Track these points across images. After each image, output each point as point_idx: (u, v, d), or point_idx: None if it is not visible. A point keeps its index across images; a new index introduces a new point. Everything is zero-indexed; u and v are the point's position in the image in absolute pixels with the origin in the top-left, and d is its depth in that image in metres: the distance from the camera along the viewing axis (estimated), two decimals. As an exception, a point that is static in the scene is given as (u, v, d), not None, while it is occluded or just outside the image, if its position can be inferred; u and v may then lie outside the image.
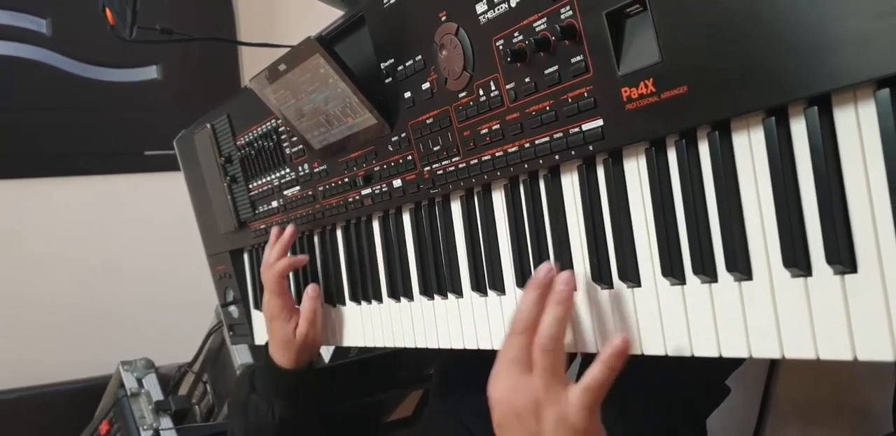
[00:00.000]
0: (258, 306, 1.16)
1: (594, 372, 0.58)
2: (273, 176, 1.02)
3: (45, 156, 2.29)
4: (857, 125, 0.46)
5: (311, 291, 0.97)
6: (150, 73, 2.45)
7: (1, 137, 2.24)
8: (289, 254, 0.99)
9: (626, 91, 0.56)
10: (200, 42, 2.45)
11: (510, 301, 0.72)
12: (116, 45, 1.21)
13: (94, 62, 2.36)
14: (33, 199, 2.27)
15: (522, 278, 0.70)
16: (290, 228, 0.99)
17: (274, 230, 1.01)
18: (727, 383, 0.95)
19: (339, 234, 0.96)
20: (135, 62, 2.41)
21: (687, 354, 0.57)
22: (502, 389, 0.62)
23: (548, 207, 0.67)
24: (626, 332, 0.61)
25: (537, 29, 0.61)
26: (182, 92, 2.45)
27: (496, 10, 0.64)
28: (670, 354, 0.58)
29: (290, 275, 1.06)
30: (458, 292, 0.77)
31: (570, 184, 0.65)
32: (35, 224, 2.26)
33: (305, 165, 0.95)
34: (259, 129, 1.02)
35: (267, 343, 1.02)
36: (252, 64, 2.48)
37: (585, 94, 0.59)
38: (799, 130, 0.48)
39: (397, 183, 0.81)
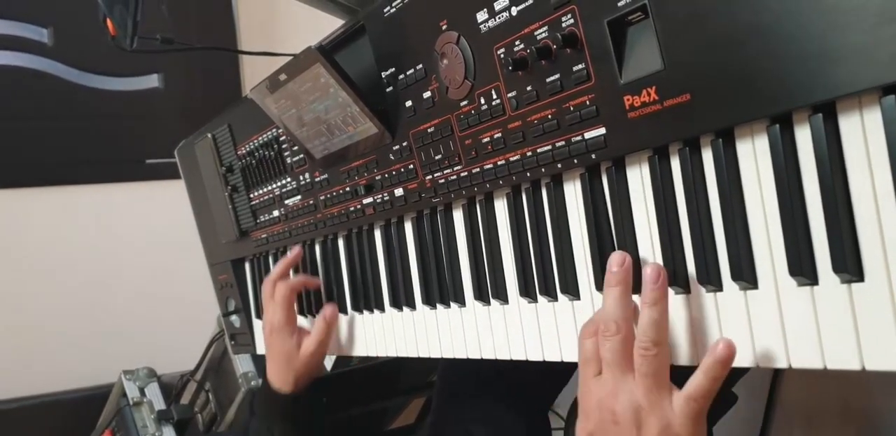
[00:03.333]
0: (260, 316, 1.15)
1: (697, 381, 0.53)
2: (274, 185, 1.02)
3: (46, 165, 2.29)
4: (862, 132, 0.45)
5: (328, 311, 0.95)
6: (152, 81, 2.45)
7: (3, 146, 2.24)
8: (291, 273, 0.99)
9: (628, 99, 0.56)
10: (202, 51, 2.45)
11: (513, 310, 0.72)
12: (118, 54, 1.21)
13: (95, 71, 2.37)
14: (35, 208, 2.27)
15: (525, 287, 0.69)
16: (296, 249, 0.99)
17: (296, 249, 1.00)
18: (733, 389, 0.94)
19: (340, 243, 0.96)
20: (136, 71, 2.42)
21: (692, 363, 0.56)
22: (597, 395, 0.57)
23: (550, 215, 0.66)
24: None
25: (538, 37, 0.61)
26: (183, 101, 2.45)
27: (497, 18, 0.64)
28: (674, 363, 0.58)
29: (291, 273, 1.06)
30: (461, 302, 0.77)
31: (573, 192, 0.64)
32: (37, 233, 2.26)
33: (307, 175, 0.95)
34: (260, 138, 1.02)
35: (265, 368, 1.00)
36: (253, 73, 2.48)
37: (587, 103, 0.59)
38: (804, 137, 0.48)
39: (399, 192, 0.81)
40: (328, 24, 0.92)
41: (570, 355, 0.66)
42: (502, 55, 0.65)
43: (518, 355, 0.71)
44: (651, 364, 0.55)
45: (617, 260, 0.58)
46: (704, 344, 0.56)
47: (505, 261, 0.72)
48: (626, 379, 0.56)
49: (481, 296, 0.74)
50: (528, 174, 0.66)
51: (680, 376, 0.56)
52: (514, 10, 0.63)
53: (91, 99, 2.36)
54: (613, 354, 0.56)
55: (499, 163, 0.68)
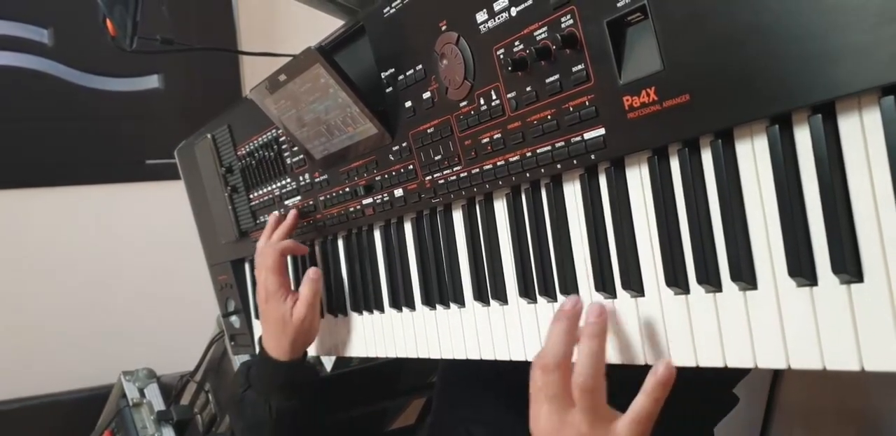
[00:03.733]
0: (259, 317, 1.15)
1: (640, 403, 0.56)
2: (274, 186, 1.02)
3: (46, 165, 2.29)
4: (861, 133, 0.45)
5: (311, 273, 0.94)
6: (152, 82, 2.45)
7: (2, 146, 2.24)
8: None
9: (627, 100, 0.56)
10: (202, 52, 2.45)
11: (512, 311, 0.71)
12: (118, 55, 1.21)
13: (95, 72, 2.37)
14: (35, 208, 2.27)
15: (525, 288, 0.69)
16: (292, 213, 0.96)
17: (274, 214, 0.99)
18: (734, 391, 0.94)
19: (340, 243, 0.96)
20: (136, 72, 2.42)
21: (692, 364, 0.56)
22: (545, 426, 0.60)
23: (550, 216, 0.66)
24: (629, 342, 0.61)
25: (538, 38, 0.61)
26: (184, 101, 2.45)
27: (497, 19, 0.64)
28: (675, 364, 0.58)
29: (292, 285, 1.06)
30: (461, 302, 0.77)
31: (573, 193, 0.64)
32: (37, 233, 2.26)
33: (306, 175, 0.95)
34: (260, 139, 1.02)
35: (261, 338, 0.99)
36: (253, 73, 2.48)
37: (587, 103, 0.59)
38: (803, 138, 0.48)
39: (398, 192, 0.81)
40: (328, 25, 0.92)
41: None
42: (502, 56, 0.65)
43: (518, 356, 0.71)
44: (589, 400, 0.57)
45: (571, 301, 0.61)
46: (703, 345, 0.56)
47: (504, 262, 0.72)
48: (569, 412, 0.58)
49: (481, 297, 0.74)
50: (528, 175, 0.66)
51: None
52: (513, 11, 0.63)
53: (91, 99, 2.36)
54: (554, 390, 0.59)
55: (498, 163, 0.68)
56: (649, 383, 0.56)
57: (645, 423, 0.56)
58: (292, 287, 0.97)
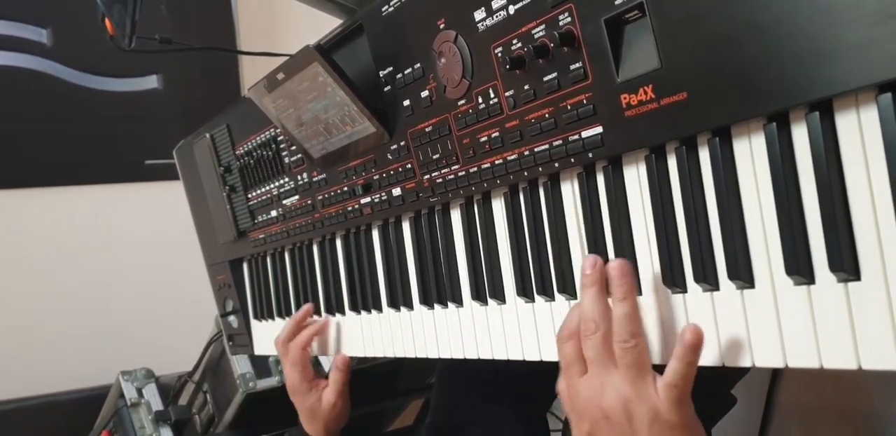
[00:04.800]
0: (257, 316, 1.15)
1: (674, 368, 0.55)
2: (272, 185, 1.02)
3: (45, 165, 2.29)
4: (859, 130, 0.45)
5: (340, 363, 0.98)
6: (151, 82, 2.45)
7: (2, 146, 2.24)
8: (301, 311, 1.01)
9: (625, 98, 0.55)
10: (201, 52, 2.45)
11: (510, 310, 0.71)
12: (117, 55, 1.21)
13: (94, 72, 2.36)
14: (34, 208, 2.27)
15: (523, 287, 0.69)
16: (305, 307, 1.01)
17: (305, 309, 1.01)
18: (732, 392, 0.94)
19: (338, 243, 0.96)
20: (135, 72, 2.41)
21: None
22: (586, 395, 0.58)
23: (548, 214, 0.66)
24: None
25: (536, 36, 0.61)
26: (183, 101, 2.45)
27: (494, 17, 0.64)
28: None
29: (290, 285, 1.06)
30: (459, 302, 0.77)
31: (570, 191, 0.64)
32: (36, 234, 2.25)
33: (304, 174, 0.95)
34: (258, 138, 1.02)
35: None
36: (252, 73, 2.48)
37: (584, 102, 0.59)
38: (800, 135, 0.48)
39: (397, 192, 0.81)
40: (327, 24, 0.92)
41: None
42: (500, 54, 0.65)
43: (515, 356, 0.71)
44: (632, 355, 0.56)
45: (590, 263, 0.60)
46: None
47: (502, 261, 0.72)
48: (611, 374, 0.57)
49: (479, 296, 0.74)
50: (526, 173, 0.66)
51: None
52: (511, 9, 0.63)
53: (90, 100, 2.35)
54: (596, 351, 0.58)
55: (496, 162, 0.68)
56: (678, 349, 0.55)
57: (682, 385, 0.55)
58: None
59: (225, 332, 1.25)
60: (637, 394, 0.55)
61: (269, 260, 1.11)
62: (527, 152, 0.65)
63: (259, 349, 1.16)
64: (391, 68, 0.77)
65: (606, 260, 0.60)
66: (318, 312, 1.01)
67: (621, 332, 0.57)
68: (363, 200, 0.86)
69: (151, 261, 2.31)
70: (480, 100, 0.68)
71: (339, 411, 0.98)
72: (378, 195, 0.84)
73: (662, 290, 0.58)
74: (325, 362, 1.30)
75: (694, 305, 0.56)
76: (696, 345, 0.54)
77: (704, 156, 0.54)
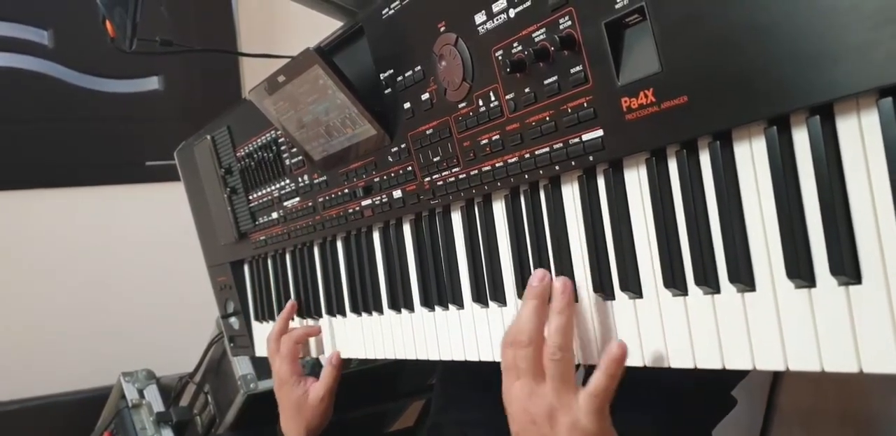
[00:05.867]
0: (258, 318, 1.15)
1: (596, 379, 0.60)
2: (273, 187, 1.02)
3: (46, 166, 2.29)
4: (860, 134, 0.45)
5: (334, 359, 0.98)
6: (152, 83, 2.45)
7: (3, 147, 2.24)
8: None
9: (625, 101, 0.55)
10: (202, 53, 2.45)
11: (511, 312, 0.71)
12: (118, 57, 1.21)
13: (95, 73, 2.36)
14: (35, 209, 2.27)
15: (524, 289, 0.69)
16: (290, 302, 1.03)
17: (291, 303, 1.04)
18: (732, 393, 0.94)
19: (339, 245, 0.96)
20: (136, 73, 2.42)
21: (690, 366, 0.56)
22: (517, 399, 0.64)
23: (548, 217, 0.66)
24: (628, 343, 0.60)
25: (536, 39, 0.61)
26: (184, 102, 2.45)
27: (495, 20, 0.64)
28: (673, 366, 0.58)
29: (291, 287, 1.06)
30: (459, 304, 0.77)
31: (571, 194, 0.64)
32: (37, 235, 2.25)
33: (305, 176, 0.95)
34: (259, 140, 1.02)
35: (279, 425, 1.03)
36: (253, 75, 2.48)
37: (585, 105, 0.59)
38: (801, 139, 0.48)
39: (397, 194, 0.81)
40: (328, 26, 0.92)
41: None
42: (500, 57, 0.65)
43: (516, 358, 0.71)
44: (559, 368, 0.61)
45: (538, 276, 0.65)
46: (701, 346, 0.55)
47: (503, 263, 0.72)
48: (540, 384, 0.63)
49: (479, 298, 0.74)
50: (526, 176, 0.66)
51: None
52: (511, 12, 0.63)
53: (91, 101, 2.36)
54: (526, 363, 0.63)
55: (497, 165, 0.68)
56: (603, 361, 0.60)
57: (602, 396, 0.60)
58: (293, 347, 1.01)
59: (226, 333, 1.25)
60: (561, 403, 0.61)
61: (269, 262, 1.11)
62: (527, 155, 0.65)
63: (260, 351, 1.16)
64: (392, 71, 0.77)
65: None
66: (318, 313, 1.01)
67: (551, 344, 0.62)
68: (364, 202, 0.86)
69: (152, 262, 2.31)
70: (481, 103, 0.68)
71: (325, 407, 0.98)
72: (379, 197, 0.84)
73: (663, 292, 0.58)
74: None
75: (695, 307, 0.56)
76: (621, 359, 0.59)
77: (705, 159, 0.54)
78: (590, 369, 0.63)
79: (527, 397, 0.63)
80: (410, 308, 0.84)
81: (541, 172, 0.64)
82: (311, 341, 1.03)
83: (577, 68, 0.58)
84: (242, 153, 1.06)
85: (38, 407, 2.11)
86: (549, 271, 0.67)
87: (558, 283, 0.64)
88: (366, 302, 0.91)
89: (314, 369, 1.15)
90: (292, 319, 1.05)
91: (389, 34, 0.76)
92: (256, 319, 1.16)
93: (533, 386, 0.63)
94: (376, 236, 0.89)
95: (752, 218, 0.51)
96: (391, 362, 1.27)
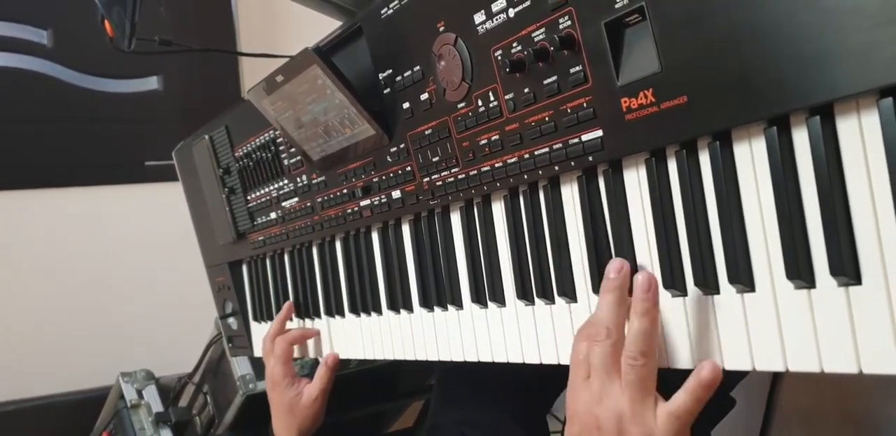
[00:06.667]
0: (257, 318, 1.15)
1: (681, 400, 0.54)
2: (271, 187, 1.02)
3: (45, 166, 2.29)
4: (860, 135, 0.45)
5: (330, 360, 0.98)
6: (151, 83, 2.45)
7: (2, 147, 2.23)
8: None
9: (625, 101, 0.55)
10: (201, 53, 2.45)
11: (510, 313, 0.71)
12: (117, 56, 1.21)
13: (94, 73, 2.36)
14: (34, 209, 2.27)
15: (523, 290, 0.69)
16: (286, 304, 1.04)
17: (288, 304, 1.05)
18: (732, 394, 0.94)
19: (338, 245, 0.96)
20: (135, 73, 2.41)
21: (689, 366, 0.56)
22: (585, 399, 0.57)
23: (548, 218, 0.66)
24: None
25: (536, 39, 0.61)
26: (183, 102, 2.45)
27: (494, 20, 0.64)
28: (672, 366, 0.57)
29: (290, 287, 1.06)
30: (458, 304, 0.77)
31: (570, 195, 0.64)
32: (36, 235, 2.25)
33: (304, 177, 0.95)
34: (257, 140, 1.02)
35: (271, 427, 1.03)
36: (252, 74, 2.48)
37: (585, 105, 0.59)
38: (801, 139, 0.48)
39: (396, 194, 0.81)
40: (327, 26, 0.92)
41: (568, 359, 0.66)
42: (500, 57, 0.64)
43: (515, 358, 0.71)
44: (637, 373, 0.55)
45: (615, 266, 0.58)
46: (701, 347, 0.55)
47: (502, 264, 0.72)
48: (613, 385, 0.56)
49: (478, 299, 0.74)
50: (526, 177, 0.66)
51: (670, 384, 0.56)
52: (511, 12, 0.62)
53: (90, 101, 2.35)
54: (601, 359, 0.56)
55: (496, 165, 0.68)
56: (691, 383, 0.53)
57: (685, 418, 0.54)
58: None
59: (224, 334, 1.25)
60: (634, 413, 0.54)
61: (268, 262, 1.11)
62: (527, 155, 0.65)
63: (258, 351, 1.15)
64: (390, 71, 0.77)
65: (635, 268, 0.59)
66: (317, 314, 1.01)
67: (632, 348, 0.55)
68: (363, 203, 0.86)
69: (151, 262, 2.31)
70: (480, 103, 0.68)
71: (318, 409, 0.98)
72: (377, 198, 0.83)
73: (662, 293, 0.58)
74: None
75: (694, 308, 0.56)
76: (712, 383, 0.53)
77: (705, 160, 0.54)
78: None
79: (596, 398, 0.56)
80: (409, 309, 0.84)
81: (540, 172, 0.64)
82: (311, 341, 1.03)
83: (577, 68, 0.58)
84: (241, 153, 1.06)
85: (37, 407, 2.11)
86: (549, 273, 0.66)
87: (642, 281, 0.56)
88: (364, 303, 0.91)
89: (314, 369, 1.15)
90: (290, 319, 1.05)
91: (388, 34, 0.76)
92: (255, 319, 1.16)
93: (606, 387, 0.56)
94: (375, 237, 0.89)
95: (751, 218, 0.51)
96: (390, 363, 1.27)
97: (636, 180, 0.59)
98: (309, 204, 0.96)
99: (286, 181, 0.99)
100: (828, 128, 0.46)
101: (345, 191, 0.88)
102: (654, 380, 0.56)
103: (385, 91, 0.78)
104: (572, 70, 0.59)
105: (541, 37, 0.60)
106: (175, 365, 1.78)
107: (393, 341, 0.87)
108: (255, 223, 1.08)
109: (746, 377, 0.96)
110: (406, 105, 0.76)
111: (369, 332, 0.91)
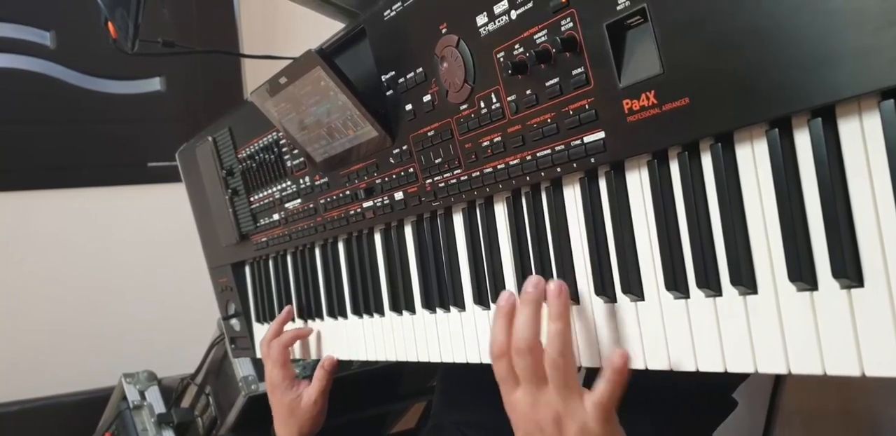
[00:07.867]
0: (260, 319, 1.15)
1: (602, 388, 0.59)
2: (274, 189, 1.02)
3: (48, 167, 2.29)
4: (861, 136, 0.45)
5: (327, 363, 0.99)
6: (154, 85, 2.45)
7: (4, 148, 2.24)
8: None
9: (627, 103, 0.55)
10: (204, 55, 2.45)
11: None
12: (120, 58, 1.21)
13: (97, 74, 2.37)
14: (36, 210, 2.27)
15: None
16: (286, 308, 1.05)
17: (287, 309, 1.05)
18: (734, 395, 0.94)
19: (340, 247, 0.96)
20: (138, 74, 2.42)
21: (691, 369, 0.56)
22: (521, 408, 0.63)
23: (550, 219, 0.66)
24: (630, 346, 0.60)
25: (538, 41, 0.61)
26: (185, 104, 2.45)
27: (497, 22, 0.64)
28: (674, 369, 0.57)
29: (292, 288, 1.06)
30: (461, 306, 0.77)
31: (573, 196, 0.64)
32: (38, 236, 2.26)
33: (307, 178, 0.95)
34: (260, 141, 1.02)
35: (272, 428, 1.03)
36: (255, 76, 2.48)
37: (587, 107, 0.59)
38: (803, 141, 0.48)
39: (399, 195, 0.81)
40: (330, 28, 0.92)
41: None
42: (502, 59, 0.65)
43: (517, 360, 0.71)
44: (561, 373, 0.60)
45: (532, 282, 0.63)
46: (703, 349, 0.55)
47: (505, 265, 0.72)
48: (543, 391, 0.62)
49: (481, 300, 0.74)
50: (528, 178, 0.66)
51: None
52: (513, 14, 0.63)
53: (93, 102, 2.36)
54: (528, 370, 0.62)
55: (498, 167, 0.68)
56: (607, 371, 0.59)
57: (609, 405, 0.59)
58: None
59: (227, 335, 1.25)
60: (567, 410, 0.60)
61: (271, 263, 1.11)
62: (529, 157, 0.65)
63: (261, 352, 1.15)
64: (393, 72, 0.77)
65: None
66: (320, 315, 1.01)
67: (552, 350, 0.61)
68: (365, 204, 0.86)
69: (154, 263, 2.31)
70: (482, 104, 0.68)
71: (319, 410, 0.99)
72: (380, 199, 0.84)
73: (665, 295, 0.58)
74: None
75: (696, 310, 0.56)
76: (623, 369, 0.59)
77: (707, 161, 0.54)
78: (591, 372, 0.63)
79: (531, 405, 0.62)
80: (412, 310, 0.84)
81: (542, 173, 0.64)
82: (312, 342, 1.03)
83: (579, 70, 0.58)
84: (244, 155, 1.06)
85: (40, 408, 2.11)
86: (551, 273, 0.66)
87: (553, 285, 0.62)
88: (367, 304, 0.91)
89: (315, 370, 1.15)
90: (293, 320, 1.05)
91: (391, 36, 0.76)
92: (258, 320, 1.16)
93: (536, 394, 0.62)
94: (378, 238, 0.89)
95: (753, 220, 0.51)
96: (392, 364, 1.27)
97: (638, 182, 0.59)
98: (312, 205, 0.96)
99: (289, 183, 0.99)
100: (829, 130, 0.46)
101: (347, 192, 0.88)
102: (577, 376, 0.61)
103: (388, 93, 0.78)
104: (574, 72, 0.59)
105: (543, 39, 0.61)
106: (177, 366, 1.78)
107: (395, 342, 0.87)
108: (258, 225, 1.08)
109: (748, 379, 0.96)
110: (409, 107, 0.76)
111: (371, 333, 0.91)
